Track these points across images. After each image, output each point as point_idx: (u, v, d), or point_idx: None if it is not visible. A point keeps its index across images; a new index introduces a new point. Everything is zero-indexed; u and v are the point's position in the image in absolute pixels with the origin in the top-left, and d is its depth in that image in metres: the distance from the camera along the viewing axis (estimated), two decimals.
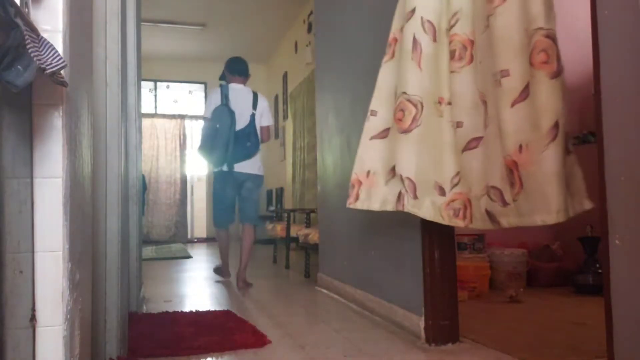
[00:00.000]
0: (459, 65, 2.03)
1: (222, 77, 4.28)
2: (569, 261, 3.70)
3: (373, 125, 2.24)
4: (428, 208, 2.04)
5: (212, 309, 3.09)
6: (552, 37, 1.80)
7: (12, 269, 1.04)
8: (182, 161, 9.39)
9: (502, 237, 3.70)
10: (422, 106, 2.06)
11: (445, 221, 2.02)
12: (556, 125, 1.73)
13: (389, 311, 2.62)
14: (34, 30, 0.97)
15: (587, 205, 1.85)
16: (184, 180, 9.40)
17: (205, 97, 9.56)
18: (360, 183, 2.27)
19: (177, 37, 8.40)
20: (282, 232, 5.46)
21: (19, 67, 0.90)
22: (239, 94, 4.08)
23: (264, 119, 4.12)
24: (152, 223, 9.10)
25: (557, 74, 1.79)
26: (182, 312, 2.98)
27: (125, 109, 2.11)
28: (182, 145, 9.41)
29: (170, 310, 3.03)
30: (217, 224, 4.25)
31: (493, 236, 3.64)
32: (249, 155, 3.99)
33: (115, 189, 1.80)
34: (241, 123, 3.99)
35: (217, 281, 4.29)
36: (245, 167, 4.02)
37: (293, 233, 5.11)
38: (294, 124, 7.68)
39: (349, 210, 2.32)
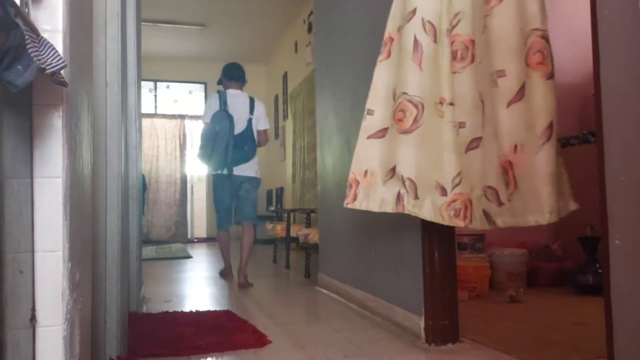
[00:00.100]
0: (460, 65, 2.03)
1: (219, 83, 4.42)
2: (569, 261, 3.70)
3: (370, 124, 2.24)
4: (428, 208, 2.04)
5: (212, 309, 3.09)
6: (546, 38, 1.81)
7: (12, 268, 1.04)
8: (182, 161, 9.40)
9: (502, 237, 3.70)
10: (422, 107, 2.06)
11: (445, 221, 2.01)
12: (550, 126, 1.74)
13: (389, 311, 2.62)
14: (34, 30, 0.97)
15: (573, 206, 1.86)
16: (184, 180, 9.40)
17: (205, 97, 9.56)
18: (357, 183, 2.26)
19: (177, 37, 8.40)
20: (282, 232, 5.46)
21: (19, 67, 0.90)
22: (237, 99, 4.21)
23: (261, 123, 4.26)
24: (152, 223, 9.10)
25: (552, 74, 1.80)
26: (182, 312, 2.98)
27: (125, 108, 2.11)
28: (182, 145, 9.42)
29: (170, 310, 3.03)
30: (221, 226, 4.38)
31: (493, 236, 3.64)
32: (246, 158, 4.14)
33: (115, 188, 1.80)
34: (239, 127, 4.12)
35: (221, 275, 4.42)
36: (243, 170, 4.16)
37: (293, 233, 5.11)
38: (294, 124, 7.68)
39: (349, 210, 2.32)
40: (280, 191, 8.42)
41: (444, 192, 2.00)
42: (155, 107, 9.63)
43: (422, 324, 2.28)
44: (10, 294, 1.04)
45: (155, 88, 9.66)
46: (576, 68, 3.99)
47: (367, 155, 2.24)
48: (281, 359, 2.09)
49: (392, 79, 2.18)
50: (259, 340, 2.29)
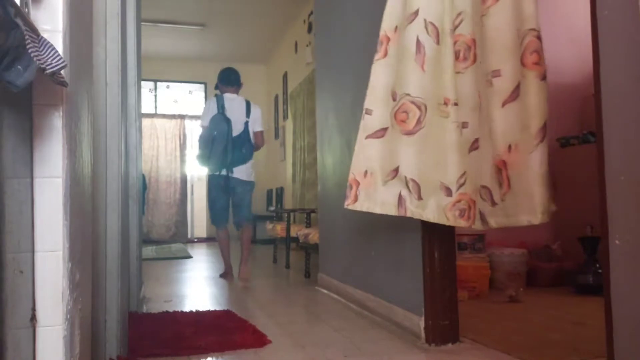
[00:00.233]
0: (463, 66, 2.02)
1: (216, 88, 4.58)
2: (569, 261, 3.70)
3: (369, 124, 2.23)
4: (432, 209, 2.03)
5: (212, 308, 3.09)
6: (540, 38, 1.81)
7: (13, 268, 1.04)
8: (182, 161, 9.40)
9: (502, 237, 3.71)
10: (425, 108, 2.05)
11: (450, 222, 2.00)
12: (545, 126, 1.75)
13: (389, 311, 2.63)
14: (34, 30, 0.97)
15: (553, 207, 1.87)
16: (184, 180, 9.41)
17: (206, 97, 9.58)
18: (358, 183, 2.26)
19: (177, 37, 8.40)
20: (282, 232, 5.47)
21: (19, 67, 0.90)
22: (234, 103, 4.38)
23: (257, 125, 4.42)
24: (152, 223, 9.10)
25: (545, 75, 1.81)
26: (182, 311, 2.98)
27: (125, 108, 2.11)
28: (182, 145, 9.42)
29: (171, 310, 3.03)
30: (216, 223, 4.53)
31: (493, 236, 3.64)
32: (244, 160, 4.32)
33: (115, 188, 1.80)
34: (236, 130, 4.28)
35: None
36: (239, 172, 4.33)
37: (293, 233, 5.11)
38: (294, 124, 7.68)
39: (349, 210, 2.31)
40: (280, 191, 8.42)
41: (448, 192, 1.99)
42: (155, 107, 9.63)
43: (422, 323, 2.28)
44: (10, 294, 1.04)
45: (155, 88, 9.66)
46: (576, 68, 3.99)
47: (367, 155, 2.23)
48: (281, 359, 2.09)
49: (390, 79, 2.18)
50: (259, 340, 2.29)
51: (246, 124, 4.33)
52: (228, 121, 4.24)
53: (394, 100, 2.15)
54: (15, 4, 0.89)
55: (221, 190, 4.37)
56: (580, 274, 3.43)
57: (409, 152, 2.08)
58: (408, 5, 2.12)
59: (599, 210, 1.41)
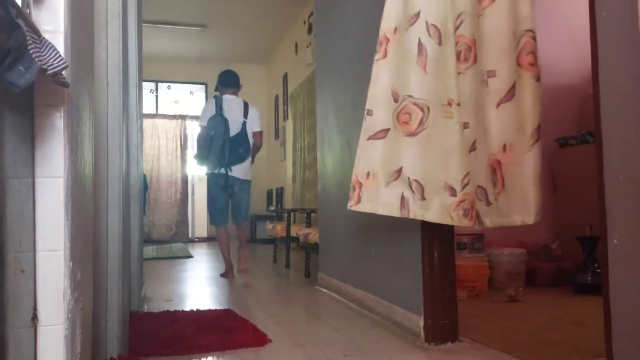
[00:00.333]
0: (464, 66, 2.02)
1: (216, 89, 4.69)
2: (568, 261, 3.71)
3: (370, 125, 2.23)
4: (435, 209, 2.02)
5: (212, 308, 3.10)
6: (536, 39, 1.82)
7: (14, 268, 1.04)
8: (183, 161, 9.41)
9: (501, 236, 3.71)
10: (428, 109, 2.05)
11: (454, 221, 1.99)
12: (539, 127, 1.75)
13: (388, 310, 2.63)
14: (35, 31, 0.97)
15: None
16: (184, 180, 9.41)
17: (206, 97, 9.59)
18: (360, 185, 2.26)
19: (178, 38, 8.40)
20: (282, 231, 5.47)
21: (20, 67, 0.90)
22: (232, 104, 4.48)
23: (255, 125, 4.55)
24: (153, 222, 9.11)
25: (539, 76, 1.82)
26: (183, 311, 2.99)
27: (126, 109, 2.12)
28: (183, 145, 9.43)
29: (171, 309, 3.04)
30: (215, 222, 4.62)
31: (492, 236, 3.64)
32: (241, 159, 4.44)
33: (116, 188, 1.80)
34: (234, 130, 4.39)
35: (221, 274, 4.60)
36: (237, 171, 4.44)
37: (293, 233, 5.11)
38: (294, 124, 7.68)
39: (349, 210, 2.32)
40: (281, 191, 8.42)
41: (453, 192, 1.98)
42: (157, 108, 9.64)
43: (421, 323, 2.28)
44: (11, 293, 1.04)
45: (157, 88, 9.67)
46: (575, 68, 3.99)
47: (369, 156, 2.23)
48: (281, 358, 2.10)
49: (391, 80, 2.18)
50: (260, 339, 2.30)
51: (244, 124, 4.44)
52: (225, 121, 4.35)
53: (396, 101, 2.15)
54: (16, 4, 0.89)
55: (221, 190, 4.45)
56: (580, 273, 3.43)
57: (412, 153, 2.09)
58: (409, 6, 2.11)
59: (598, 210, 1.42)
